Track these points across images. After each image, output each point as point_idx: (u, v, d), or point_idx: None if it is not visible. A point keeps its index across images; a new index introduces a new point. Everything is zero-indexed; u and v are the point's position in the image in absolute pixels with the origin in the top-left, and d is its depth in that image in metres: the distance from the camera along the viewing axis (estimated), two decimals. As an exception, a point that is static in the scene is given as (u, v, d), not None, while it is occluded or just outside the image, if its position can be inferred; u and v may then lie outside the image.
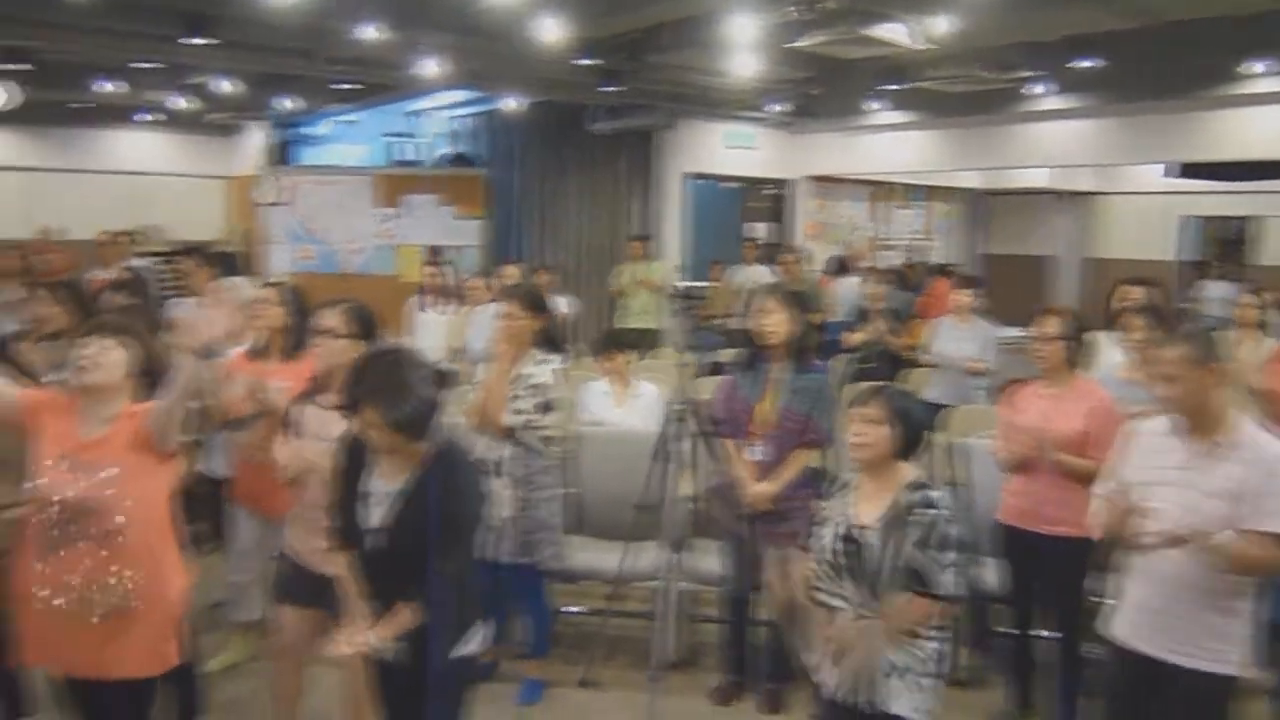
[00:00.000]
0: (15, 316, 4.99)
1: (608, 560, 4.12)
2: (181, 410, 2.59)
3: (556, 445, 4.03)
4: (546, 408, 3.79)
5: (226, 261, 5.93)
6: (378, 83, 9.64)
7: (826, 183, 11.67)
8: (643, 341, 8.08)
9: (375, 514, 2.48)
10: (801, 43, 6.43)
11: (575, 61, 7.86)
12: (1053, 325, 3.63)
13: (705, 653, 4.35)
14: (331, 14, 6.60)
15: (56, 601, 2.57)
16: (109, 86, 10.25)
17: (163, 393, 2.61)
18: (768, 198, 11.77)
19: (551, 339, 3.96)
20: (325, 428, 3.01)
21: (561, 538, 4.02)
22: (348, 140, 13.66)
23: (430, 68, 7.73)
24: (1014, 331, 5.94)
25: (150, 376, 2.70)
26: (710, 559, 4.06)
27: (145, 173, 13.06)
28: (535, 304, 3.91)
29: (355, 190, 11.84)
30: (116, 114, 12.31)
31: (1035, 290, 12.45)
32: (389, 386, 2.34)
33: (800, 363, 3.76)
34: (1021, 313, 4.67)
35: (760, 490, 3.70)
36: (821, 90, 9.54)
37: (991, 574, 3.89)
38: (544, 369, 3.81)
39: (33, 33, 7.33)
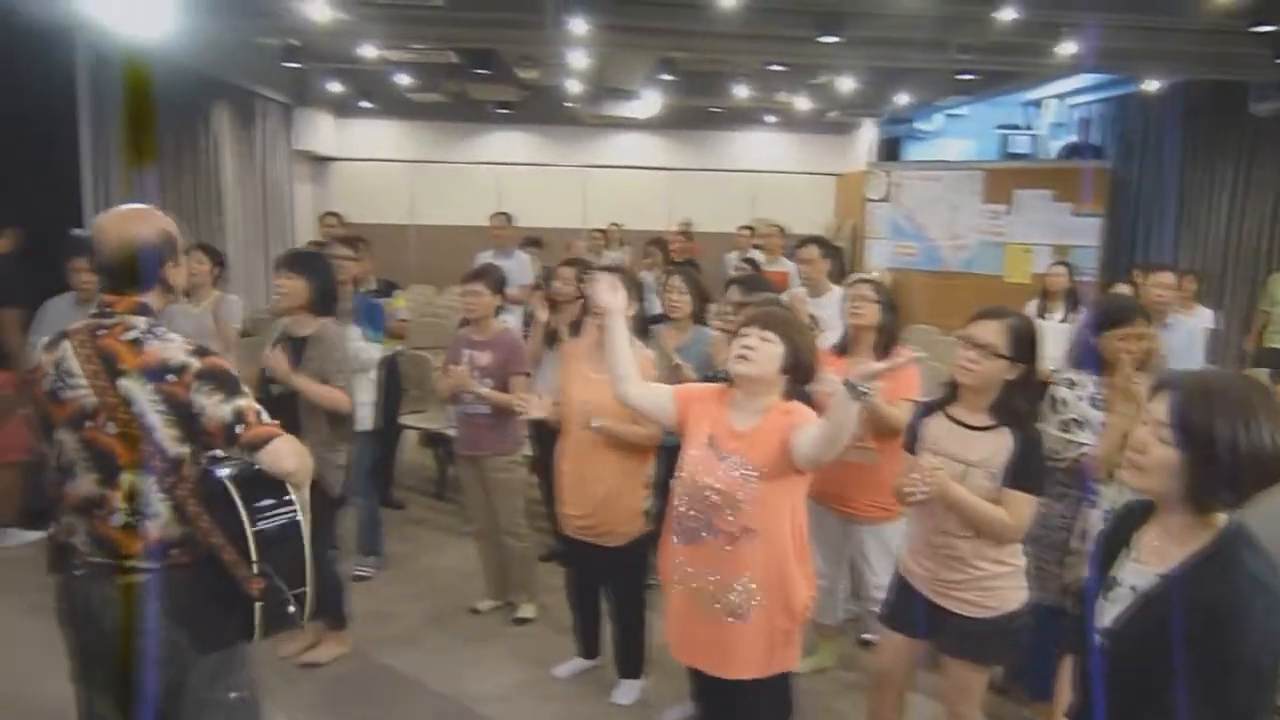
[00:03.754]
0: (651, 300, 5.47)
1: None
2: (839, 445, 2.41)
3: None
4: (1065, 428, 3.23)
5: (835, 256, 5.95)
6: (1004, 70, 9.17)
7: None
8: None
9: (1110, 611, 1.77)
10: None
11: (1246, 30, 6.68)
12: None
13: None
14: (969, -1, 6.33)
15: (693, 585, 2.61)
16: (742, 91, 11.11)
17: (823, 418, 2.45)
18: None
19: None
20: (964, 447, 2.72)
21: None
22: (957, 135, 13.32)
23: (1069, 50, 7.09)
24: None
25: (800, 373, 2.62)
26: None
27: (766, 170, 14.02)
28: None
29: (962, 185, 11.49)
30: (745, 116, 13.38)
31: None
32: (1238, 417, 1.56)
33: None
34: None
35: None
36: None
37: None
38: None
39: (683, 43, 8.10)
